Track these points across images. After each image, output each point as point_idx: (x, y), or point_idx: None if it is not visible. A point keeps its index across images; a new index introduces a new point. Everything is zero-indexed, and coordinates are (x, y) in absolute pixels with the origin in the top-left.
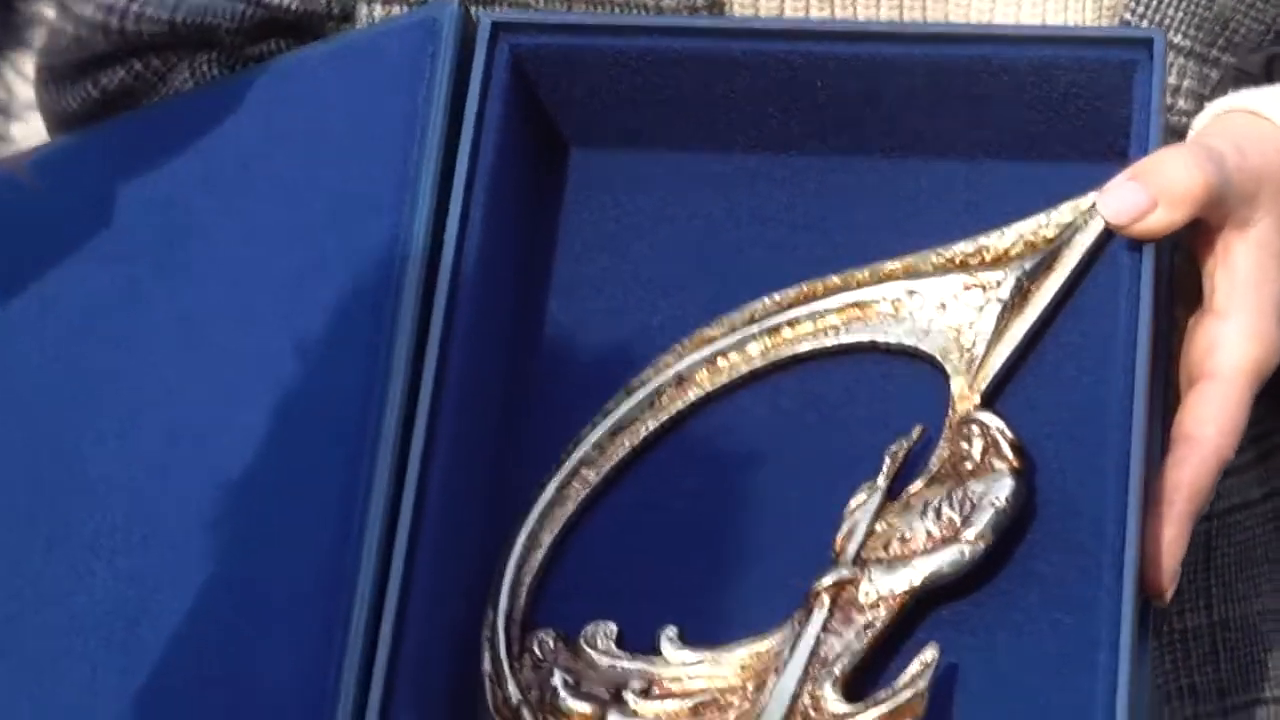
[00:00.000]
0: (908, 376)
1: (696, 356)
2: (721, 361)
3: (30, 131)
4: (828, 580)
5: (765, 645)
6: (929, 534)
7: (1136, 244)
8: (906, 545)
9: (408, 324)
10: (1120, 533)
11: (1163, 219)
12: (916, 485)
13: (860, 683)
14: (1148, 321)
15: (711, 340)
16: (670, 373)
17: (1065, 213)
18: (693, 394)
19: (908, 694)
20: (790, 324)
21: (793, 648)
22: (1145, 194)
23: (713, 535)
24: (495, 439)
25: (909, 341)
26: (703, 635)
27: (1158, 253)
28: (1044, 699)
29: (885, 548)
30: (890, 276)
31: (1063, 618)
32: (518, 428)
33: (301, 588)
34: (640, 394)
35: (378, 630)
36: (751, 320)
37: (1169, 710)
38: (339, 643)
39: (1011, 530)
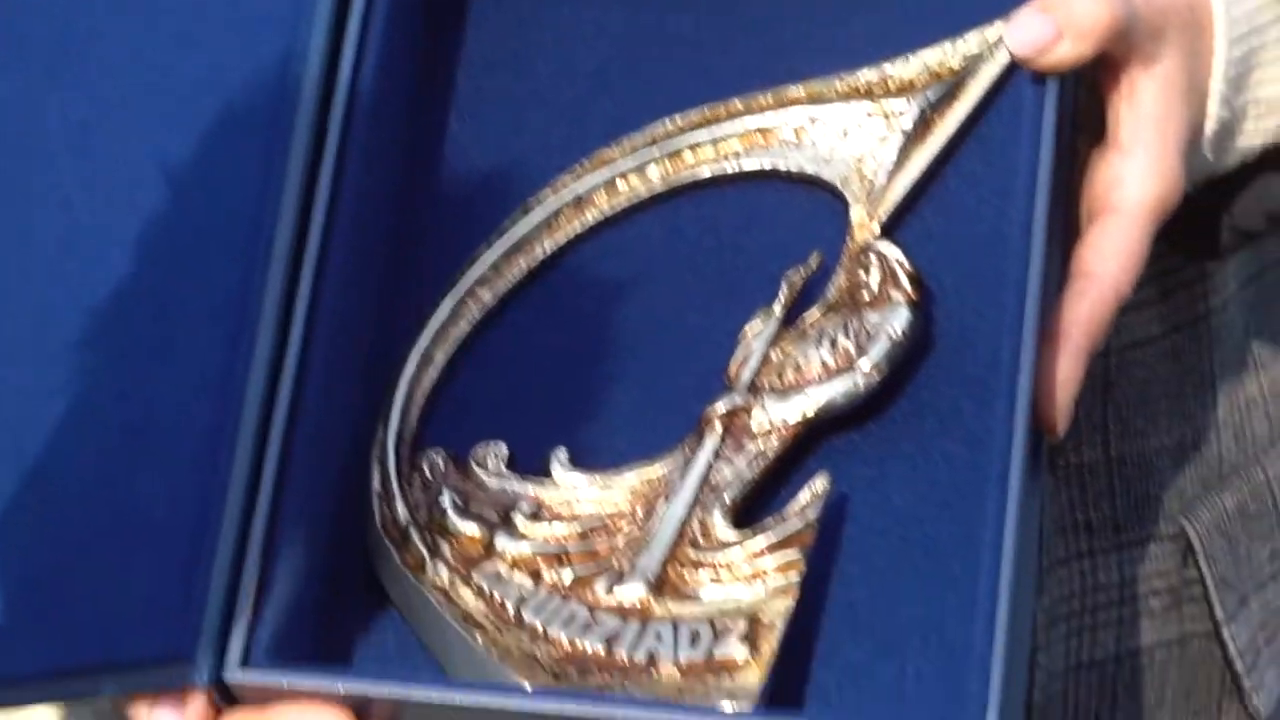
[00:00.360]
0: (808, 204)
1: (596, 178)
2: (621, 184)
3: None
4: (721, 407)
5: (656, 470)
6: (824, 363)
7: (1040, 77)
8: (801, 374)
9: (303, 136)
10: (1014, 366)
11: (1069, 52)
12: (813, 314)
13: (750, 511)
14: (1049, 155)
15: (611, 162)
16: (568, 194)
17: (971, 43)
18: (590, 216)
19: (797, 523)
20: (691, 148)
21: (683, 474)
22: (1052, 26)
23: (607, 359)
24: (390, 256)
25: (810, 169)
26: (594, 459)
27: (1062, 86)
28: (934, 530)
29: (780, 376)
30: (794, 102)
31: (955, 449)
32: (413, 246)
33: (188, 402)
34: (537, 214)
35: (264, 446)
36: (652, 142)
37: (1064, 544)
38: (224, 458)
39: (906, 361)
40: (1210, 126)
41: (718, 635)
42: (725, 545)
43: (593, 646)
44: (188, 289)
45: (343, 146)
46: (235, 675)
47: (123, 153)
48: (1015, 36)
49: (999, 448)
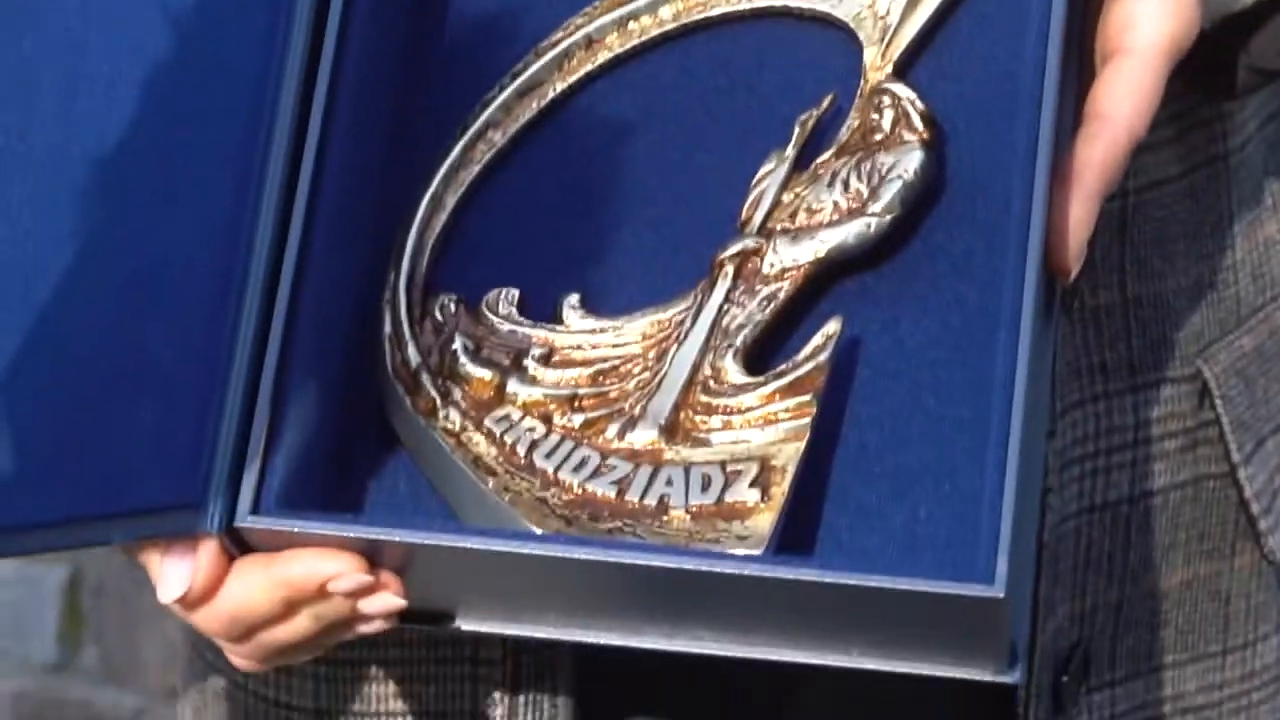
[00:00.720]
0: (821, 43)
1: (607, 18)
2: (632, 24)
3: None
4: (732, 250)
5: (668, 314)
6: (836, 205)
7: None
8: (813, 216)
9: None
10: (1026, 208)
11: None
12: (825, 156)
13: (763, 355)
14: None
15: (623, 2)
16: (580, 34)
17: None
18: (602, 56)
19: (808, 366)
20: None
21: (695, 317)
22: None
23: (618, 202)
24: (400, 99)
25: (823, 7)
26: (606, 303)
27: None
28: (946, 374)
29: (792, 218)
30: None
31: (968, 292)
32: (423, 89)
33: (196, 249)
34: (549, 56)
35: (274, 294)
36: None
37: (1079, 386)
38: (234, 306)
39: (919, 203)
40: None
41: (729, 480)
42: (737, 389)
43: (603, 491)
44: (195, 136)
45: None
46: (246, 521)
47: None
48: None
49: (1010, 291)
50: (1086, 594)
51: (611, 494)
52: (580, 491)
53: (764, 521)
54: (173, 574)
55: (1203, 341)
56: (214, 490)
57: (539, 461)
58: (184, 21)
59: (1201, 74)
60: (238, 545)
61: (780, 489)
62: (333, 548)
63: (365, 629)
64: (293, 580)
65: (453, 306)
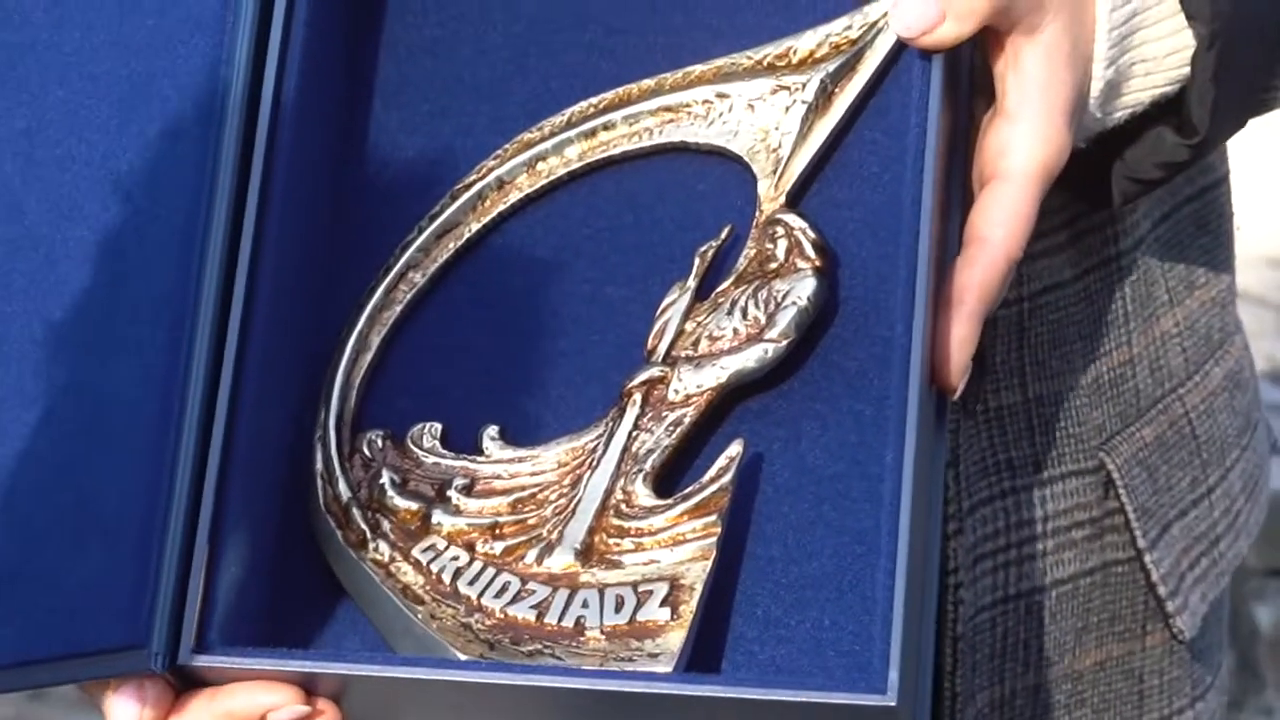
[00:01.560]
0: (718, 177)
1: (517, 160)
2: (540, 165)
3: None
4: (639, 378)
5: (581, 441)
6: (735, 332)
7: (927, 54)
8: (715, 343)
9: (234, 136)
10: (908, 329)
11: (950, 31)
12: (725, 284)
13: (671, 477)
14: (935, 126)
15: (531, 144)
16: (491, 177)
17: (870, 14)
18: (513, 197)
19: (713, 487)
20: (606, 127)
21: (607, 444)
22: (935, 7)
23: (534, 335)
24: (324, 244)
25: (719, 142)
26: (524, 433)
27: (951, 58)
28: (844, 486)
29: (695, 345)
30: (702, 80)
31: (863, 409)
32: (345, 233)
33: (135, 397)
34: (463, 198)
35: (209, 437)
36: (569, 124)
37: (988, 483)
38: (171, 451)
39: (814, 326)
40: (1096, 87)
41: (640, 600)
42: (647, 511)
43: (523, 615)
44: (131, 289)
45: (271, 143)
46: (190, 659)
47: (63, 158)
48: (900, 18)
49: (894, 409)
50: (1004, 680)
51: (531, 617)
52: (502, 616)
53: (674, 639)
54: (120, 713)
55: (1104, 434)
56: (157, 630)
57: (463, 588)
58: (118, 180)
59: (1085, 186)
60: (183, 681)
61: (689, 607)
62: (271, 680)
63: None
64: (235, 713)
65: (380, 442)
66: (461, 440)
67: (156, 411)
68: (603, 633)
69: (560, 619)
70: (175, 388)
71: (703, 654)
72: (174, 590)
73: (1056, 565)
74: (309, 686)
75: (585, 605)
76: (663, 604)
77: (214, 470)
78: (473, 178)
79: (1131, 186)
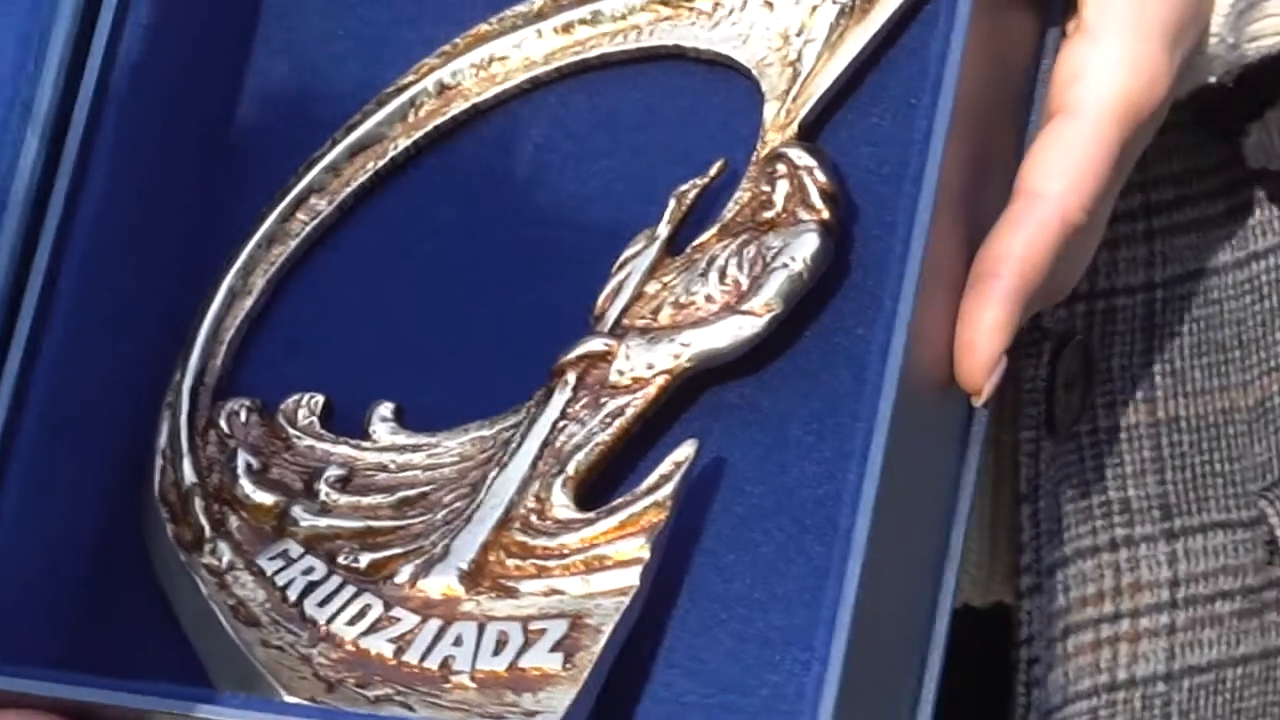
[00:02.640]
0: (720, 94)
1: (466, 59)
2: (496, 66)
3: None
4: (575, 352)
5: (493, 430)
6: (709, 298)
7: None
8: (681, 311)
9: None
10: (893, 308)
11: None
12: (705, 236)
13: (601, 486)
14: (962, 34)
15: (486, 39)
16: (431, 79)
17: None
18: (457, 107)
19: (646, 501)
20: (585, 21)
21: (524, 435)
22: None
23: (460, 289)
24: (203, 159)
25: (724, 49)
26: (427, 416)
27: None
28: (834, 510)
29: (654, 313)
30: None
31: (861, 409)
32: (231, 143)
33: None
34: (392, 105)
35: None
36: (539, 15)
37: (1091, 529)
38: None
39: (812, 297)
40: (1225, 3)
41: (528, 640)
42: (560, 527)
43: (379, 648)
44: None
45: (117, 31)
46: None
47: None
48: None
49: (864, 418)
50: None
51: (389, 653)
52: (353, 649)
53: (562, 696)
54: None
55: (1269, 476)
56: None
57: (311, 609)
58: None
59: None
60: None
61: (589, 654)
62: (45, 710)
63: None
64: None
65: (244, 414)
66: (348, 419)
67: None
68: (473, 679)
69: (424, 658)
70: None
71: (616, 718)
72: None
73: (1191, 647)
74: (95, 718)
75: (458, 642)
76: (555, 648)
77: None
78: (407, 79)
79: None
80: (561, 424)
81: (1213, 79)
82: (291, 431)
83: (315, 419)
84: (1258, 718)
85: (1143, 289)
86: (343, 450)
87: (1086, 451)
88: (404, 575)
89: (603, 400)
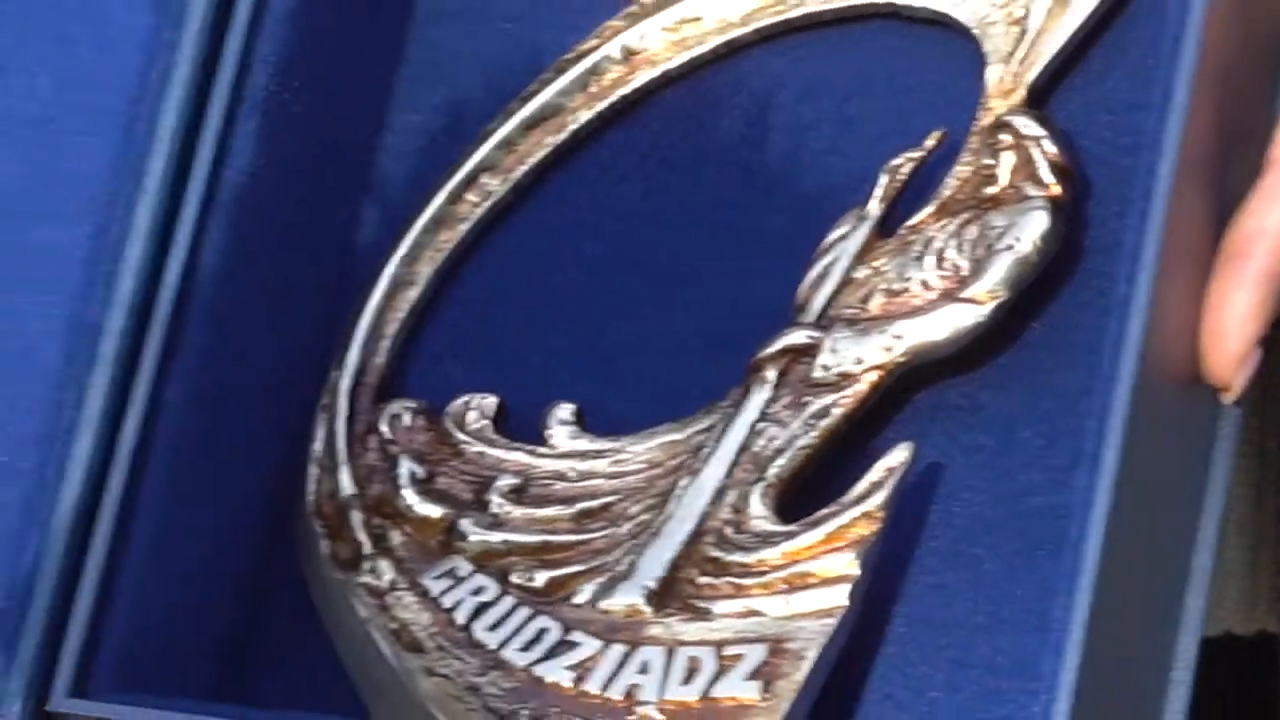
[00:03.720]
0: (936, 57)
1: (654, 22)
2: (687, 29)
3: None
4: (776, 345)
5: (685, 434)
6: (925, 284)
7: None
8: (894, 300)
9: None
10: (1128, 294)
11: None
12: (920, 216)
13: (805, 495)
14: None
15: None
16: (616, 43)
17: None
18: (644, 75)
19: (855, 511)
20: None
21: (719, 440)
22: None
23: (649, 277)
24: (354, 135)
25: (942, 7)
26: (611, 419)
27: None
28: (1067, 523)
29: (864, 302)
30: None
31: (1096, 407)
32: (395, 116)
33: (37, 334)
34: (572, 73)
35: (126, 400)
36: None
37: None
38: (70, 415)
39: (1041, 283)
40: None
41: (723, 667)
42: (760, 541)
43: (555, 677)
44: (41, 195)
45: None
46: (61, 705)
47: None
48: None
49: (1096, 417)
50: None
51: (567, 681)
52: (526, 677)
53: None
54: None
55: None
56: (18, 666)
57: (480, 634)
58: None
59: None
60: None
61: (791, 682)
62: None
63: None
64: None
65: (408, 418)
66: (522, 423)
67: (57, 361)
68: (661, 710)
69: (606, 687)
70: (84, 328)
71: None
72: (48, 614)
73: None
74: None
75: (644, 670)
76: (753, 676)
77: (127, 448)
78: (590, 43)
79: None
80: (760, 426)
81: None
82: (460, 436)
83: (486, 422)
84: None
85: None
86: (517, 457)
87: None
88: (584, 595)
89: (806, 399)
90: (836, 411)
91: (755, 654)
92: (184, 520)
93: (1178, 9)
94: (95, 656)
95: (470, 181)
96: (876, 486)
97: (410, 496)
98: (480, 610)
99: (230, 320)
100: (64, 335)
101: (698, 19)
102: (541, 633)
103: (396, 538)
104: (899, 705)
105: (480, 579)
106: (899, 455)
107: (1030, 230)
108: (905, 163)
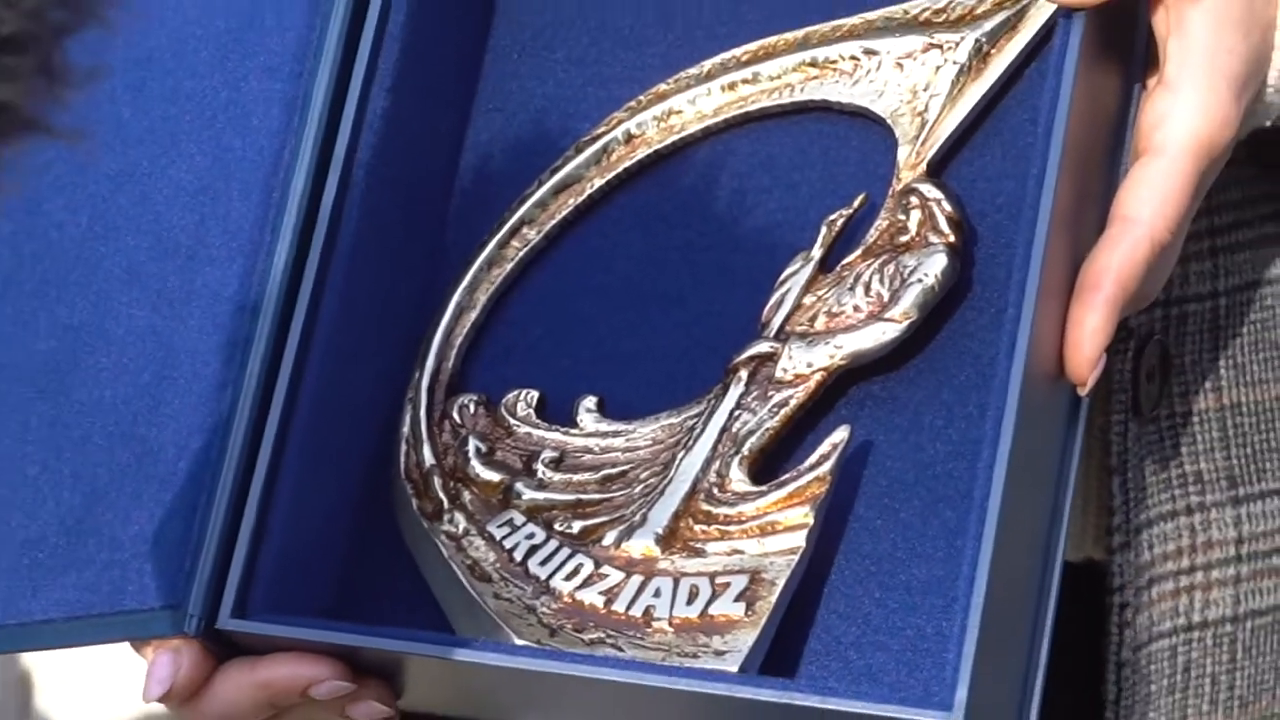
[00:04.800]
0: (860, 140)
1: (649, 113)
2: (674, 119)
3: None
4: (746, 353)
5: (680, 419)
6: (856, 308)
7: (1068, 13)
8: (833, 319)
9: (327, 70)
10: (1016, 316)
11: None
12: (852, 256)
13: (771, 463)
14: (1068, 93)
15: (665, 96)
16: (620, 129)
17: None
18: (641, 152)
19: (810, 475)
20: (746, 81)
21: (705, 422)
22: None
23: (647, 302)
24: (431, 193)
25: (863, 102)
26: (624, 407)
27: (1098, 23)
28: (964, 484)
29: (811, 321)
30: (851, 34)
31: (988, 399)
32: (459, 183)
33: (202, 347)
34: (588, 151)
35: (270, 398)
36: (708, 76)
37: (1170, 496)
38: (229, 404)
39: (942, 307)
40: (1279, 58)
41: (715, 592)
42: (738, 498)
43: (591, 600)
44: (211, 233)
45: (369, 81)
46: (227, 624)
47: (169, 93)
48: None
49: (995, 405)
50: (1186, 717)
51: (600, 603)
52: (570, 600)
53: (745, 637)
54: (155, 674)
55: None
56: (195, 592)
57: (534, 568)
58: (213, 118)
59: None
60: (224, 646)
61: (766, 603)
62: (317, 653)
63: None
64: (275, 684)
65: (472, 407)
66: (558, 410)
67: (219, 365)
68: (671, 625)
69: (629, 607)
70: (240, 342)
71: (787, 655)
72: (217, 552)
73: (1253, 594)
74: (358, 663)
75: (657, 594)
76: (738, 598)
77: (273, 427)
78: (600, 130)
79: None
80: (736, 413)
81: (1268, 122)
82: (512, 421)
83: (531, 410)
84: None
85: (1209, 297)
86: (555, 436)
87: (1165, 432)
88: (610, 539)
89: (770, 393)
90: (793, 402)
91: (739, 582)
92: (312, 484)
93: (1048, 103)
94: (250, 586)
95: (514, 232)
96: (824, 458)
97: (476, 466)
98: (532, 550)
99: (343, 337)
100: (223, 349)
101: (680, 112)
102: (579, 567)
103: (467, 496)
104: (842, 617)
105: (531, 527)
106: (840, 434)
107: (933, 268)
108: (839, 218)
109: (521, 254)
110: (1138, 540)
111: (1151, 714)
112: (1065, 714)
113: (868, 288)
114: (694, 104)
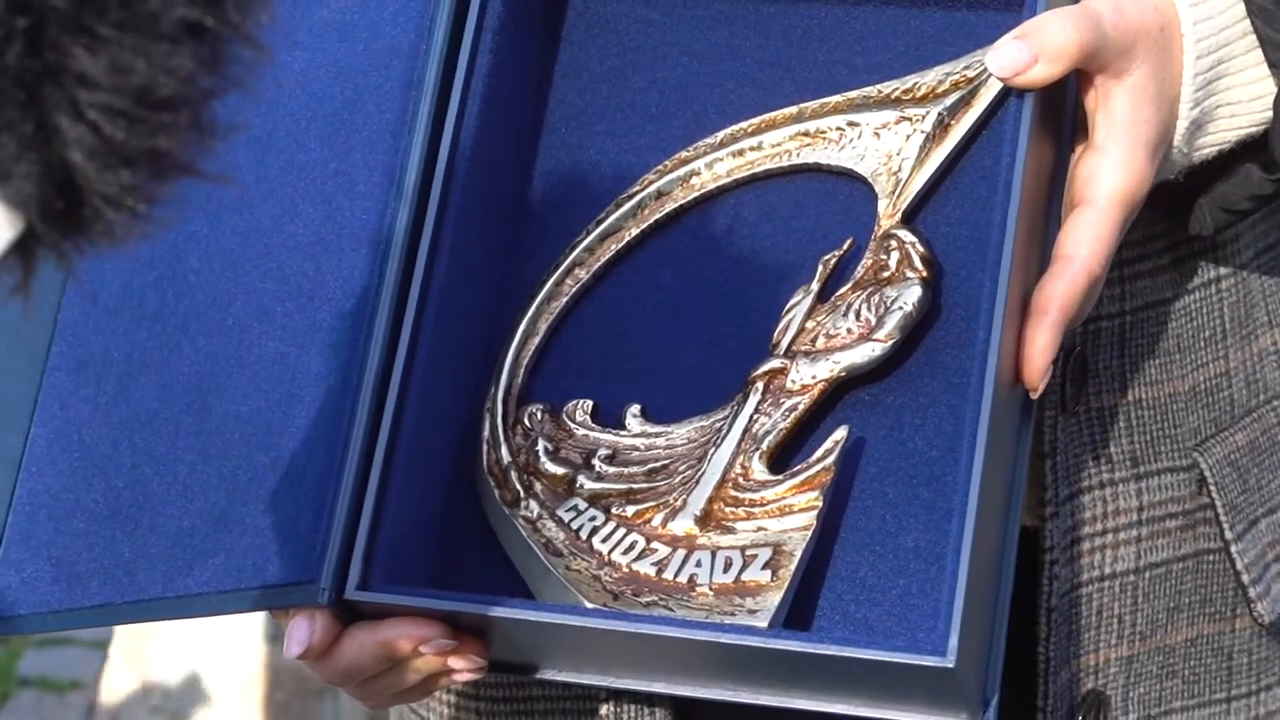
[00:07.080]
0: (846, 194)
1: (674, 175)
2: (695, 179)
3: None
4: (762, 369)
5: (709, 421)
6: (849, 331)
7: (1020, 91)
8: (831, 340)
9: (420, 145)
10: (986, 337)
11: (1041, 73)
12: (844, 289)
13: (784, 456)
14: (1023, 156)
15: (687, 161)
16: (651, 188)
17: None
18: (669, 206)
19: (818, 466)
20: (752, 148)
21: (730, 424)
22: (1027, 51)
23: (679, 327)
24: (502, 242)
25: (849, 165)
26: (662, 412)
27: (1043, 99)
28: (940, 470)
29: (813, 342)
30: (836, 109)
31: (958, 402)
32: (523, 233)
33: (324, 371)
34: (626, 206)
35: (383, 407)
36: (721, 145)
37: (1086, 474)
38: (349, 416)
39: (918, 329)
40: (1182, 126)
41: (746, 562)
42: (760, 485)
43: (645, 570)
44: (327, 281)
45: (454, 155)
46: (353, 595)
47: (287, 165)
48: (996, 60)
49: (972, 407)
50: (1100, 649)
51: (652, 573)
52: (627, 570)
53: (773, 598)
54: (295, 636)
55: (1199, 437)
56: (326, 569)
57: (597, 545)
58: (325, 184)
59: (1184, 215)
60: (349, 613)
61: (788, 570)
62: (424, 617)
63: (458, 678)
64: (391, 642)
65: (539, 414)
66: (609, 416)
67: (339, 385)
68: (711, 589)
69: (676, 575)
70: (355, 365)
71: (803, 612)
72: (343, 537)
73: (1150, 550)
74: (457, 624)
75: (699, 564)
76: (765, 566)
77: (385, 435)
78: (635, 189)
79: (1224, 216)
80: (755, 417)
81: (1172, 175)
82: (572, 425)
83: (588, 416)
84: (1191, 595)
85: (1118, 315)
86: (608, 437)
87: (1084, 424)
88: (657, 520)
89: (782, 400)
90: (801, 407)
91: (765, 554)
92: (415, 480)
93: (1006, 163)
94: (370, 564)
95: (567, 272)
96: (828, 452)
97: (545, 462)
98: (594, 530)
99: (436, 360)
100: (340, 371)
101: (700, 174)
102: (634, 543)
103: (538, 487)
104: (843, 580)
105: (593, 511)
106: (840, 433)
107: (911, 297)
108: (832, 257)
109: (574, 290)
110: (1064, 509)
111: (1071, 647)
112: (1006, 650)
113: (858, 314)
114: (710, 167)
